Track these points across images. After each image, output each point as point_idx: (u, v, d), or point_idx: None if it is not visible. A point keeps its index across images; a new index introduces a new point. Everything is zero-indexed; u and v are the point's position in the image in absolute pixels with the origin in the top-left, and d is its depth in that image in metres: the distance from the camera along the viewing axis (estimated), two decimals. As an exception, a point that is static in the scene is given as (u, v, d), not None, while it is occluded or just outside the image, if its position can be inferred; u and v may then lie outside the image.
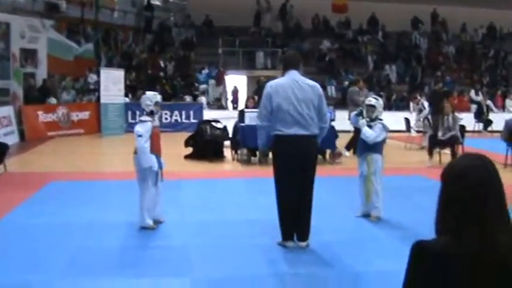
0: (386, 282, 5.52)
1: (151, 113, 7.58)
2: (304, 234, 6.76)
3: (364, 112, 8.34)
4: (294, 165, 6.58)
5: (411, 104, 22.39)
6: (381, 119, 8.21)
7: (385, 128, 8.17)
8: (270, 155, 7.20)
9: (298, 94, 6.67)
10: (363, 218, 8.19)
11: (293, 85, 6.72)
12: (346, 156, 14.51)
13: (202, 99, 24.42)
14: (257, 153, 13.90)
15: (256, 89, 23.83)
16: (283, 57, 7.30)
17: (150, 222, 7.52)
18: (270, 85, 6.89)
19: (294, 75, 6.81)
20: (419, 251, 2.05)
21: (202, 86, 25.81)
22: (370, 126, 8.13)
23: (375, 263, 6.31)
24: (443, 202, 2.08)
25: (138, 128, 7.44)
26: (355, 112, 8.77)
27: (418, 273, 2.03)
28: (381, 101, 8.36)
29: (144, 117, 7.60)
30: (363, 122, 8.21)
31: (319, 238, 6.98)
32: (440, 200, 2.10)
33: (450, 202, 2.05)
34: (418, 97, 19.16)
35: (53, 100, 20.91)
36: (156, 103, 7.64)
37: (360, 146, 8.40)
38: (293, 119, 6.60)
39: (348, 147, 14.93)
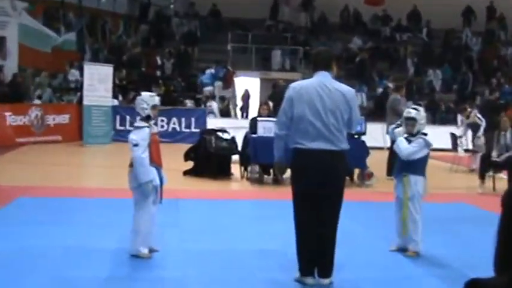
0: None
1: (147, 118, 7.63)
2: (327, 270, 6.77)
3: (403, 127, 8.37)
4: (317, 186, 6.59)
5: (459, 117, 22.35)
6: (424, 133, 8.23)
7: (427, 144, 8.17)
8: (288, 172, 7.21)
9: (327, 101, 6.65)
10: (399, 252, 8.20)
11: (321, 90, 6.70)
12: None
13: (213, 106, 24.43)
14: (271, 171, 13.95)
15: (272, 93, 23.94)
16: (313, 55, 7.29)
17: (144, 250, 7.55)
18: (293, 87, 6.90)
19: (323, 77, 6.80)
20: None
21: (208, 88, 25.87)
22: (409, 142, 8.15)
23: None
24: (505, 234, 2.06)
25: (133, 136, 7.48)
26: (393, 125, 8.78)
27: None
28: (422, 112, 8.37)
29: (139, 123, 7.64)
30: (398, 131, 8.24)
31: (345, 275, 6.99)
32: (500, 231, 2.07)
33: None
34: (469, 108, 19.08)
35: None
36: (154, 106, 7.70)
37: (397, 164, 8.42)
38: (317, 131, 6.60)
39: (392, 173, 14.94)
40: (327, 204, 6.67)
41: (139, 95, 8.01)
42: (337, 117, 6.65)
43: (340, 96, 6.71)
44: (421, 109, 8.49)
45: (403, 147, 8.08)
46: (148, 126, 7.53)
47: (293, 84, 7.03)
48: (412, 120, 8.19)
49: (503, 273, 2.02)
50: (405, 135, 8.26)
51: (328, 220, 6.70)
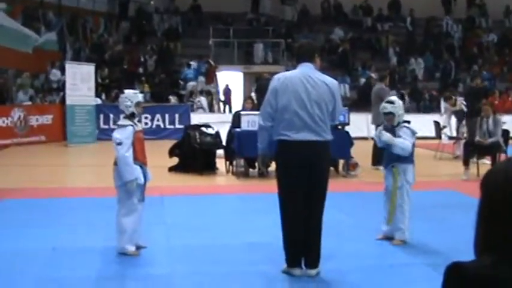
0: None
1: (131, 116, 7.64)
2: (313, 260, 6.81)
3: (383, 123, 8.42)
4: (302, 177, 6.63)
5: (442, 105, 22.44)
6: (407, 121, 8.26)
7: (413, 132, 8.22)
8: (273, 165, 7.24)
9: (312, 92, 6.70)
10: (385, 241, 8.26)
11: (305, 81, 6.75)
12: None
13: (202, 101, 24.41)
14: (256, 164, 13.99)
15: (257, 86, 23.93)
16: (296, 47, 7.35)
17: (131, 248, 7.57)
18: (278, 78, 6.94)
19: (307, 68, 6.85)
20: (457, 275, 2.00)
21: (191, 83, 25.88)
22: (393, 132, 8.15)
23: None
24: (485, 216, 2.05)
25: (117, 135, 7.49)
26: (379, 129, 8.71)
27: None
28: (398, 102, 8.31)
29: (123, 121, 7.65)
30: (386, 136, 8.09)
31: (331, 265, 7.04)
32: (481, 213, 2.07)
33: (495, 215, 2.01)
34: (453, 96, 19.10)
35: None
36: (138, 103, 7.70)
37: (386, 155, 8.43)
38: (302, 122, 6.64)
39: (377, 162, 15.04)
40: (312, 195, 6.71)
41: (123, 92, 8.01)
42: (322, 108, 6.69)
43: (324, 87, 6.76)
44: (396, 100, 8.39)
45: (404, 144, 8.01)
46: (132, 125, 7.53)
47: (277, 75, 7.07)
48: (390, 115, 8.20)
49: (484, 255, 2.03)
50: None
51: (313, 211, 6.74)
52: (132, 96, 7.72)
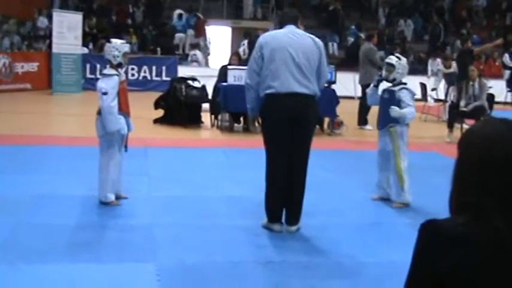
0: (389, 274, 5.60)
1: (118, 66, 7.56)
2: (294, 217, 6.83)
3: (382, 72, 8.35)
4: (288, 132, 6.61)
5: (429, 67, 22.42)
6: (404, 83, 8.20)
7: (412, 94, 8.19)
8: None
9: (297, 44, 6.71)
10: (381, 201, 8.23)
11: (291, 35, 6.78)
12: (371, 130, 14.51)
13: (197, 54, 24.22)
14: (241, 119, 13.97)
15: (248, 43, 23.73)
16: (280, 15, 7.42)
17: (112, 197, 7.55)
18: (263, 36, 7.01)
19: (293, 28, 6.89)
20: (432, 233, 2.02)
21: (179, 35, 25.68)
22: (391, 93, 8.08)
23: (376, 251, 6.40)
24: (462, 175, 2.07)
25: (102, 84, 7.40)
26: (371, 87, 8.64)
27: (429, 260, 2.01)
28: (404, 62, 8.28)
29: (108, 70, 7.55)
30: (397, 112, 7.90)
31: (312, 221, 7.06)
32: (457, 172, 2.08)
33: (470, 174, 2.04)
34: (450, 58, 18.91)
35: None
36: (125, 54, 7.63)
37: (382, 116, 8.34)
38: (289, 70, 6.60)
39: (363, 122, 15.06)
40: (297, 150, 6.71)
41: (109, 42, 7.90)
42: (309, 59, 6.70)
43: (310, 41, 6.82)
44: (404, 59, 8.39)
45: (409, 111, 7.93)
46: (117, 74, 7.47)
47: (263, 34, 7.14)
48: (390, 66, 8.14)
49: (458, 214, 2.05)
50: (376, 81, 8.29)
51: (298, 166, 6.76)
52: (119, 46, 7.64)
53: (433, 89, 18.20)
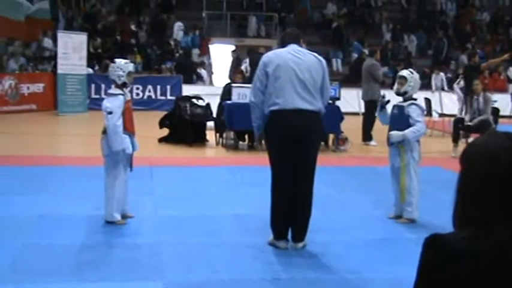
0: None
1: (123, 85, 7.60)
2: (300, 234, 6.82)
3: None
4: (293, 149, 6.62)
5: (433, 82, 22.44)
6: (414, 99, 8.20)
7: (422, 110, 8.19)
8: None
9: (301, 61, 6.75)
10: (395, 220, 8.19)
11: (294, 53, 6.83)
12: (375, 146, 14.53)
13: (203, 73, 24.36)
14: (246, 137, 14.00)
15: (250, 61, 23.83)
16: (282, 35, 7.47)
17: (118, 216, 7.57)
18: (267, 55, 7.06)
19: (295, 46, 6.94)
20: (436, 247, 2.02)
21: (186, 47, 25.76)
22: (401, 108, 8.07)
23: (382, 267, 6.38)
24: (465, 189, 2.06)
25: (107, 104, 7.45)
26: (378, 111, 8.63)
27: (433, 274, 2.00)
28: (416, 76, 8.29)
29: (113, 90, 7.61)
30: (397, 136, 7.94)
31: (318, 238, 7.06)
32: (460, 186, 2.08)
33: (474, 188, 2.03)
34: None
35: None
36: (130, 73, 7.67)
37: (391, 131, 8.32)
38: (293, 88, 6.63)
39: (368, 138, 15.06)
40: (302, 168, 6.72)
41: (113, 62, 7.96)
42: (312, 75, 6.73)
43: (313, 58, 6.88)
44: (416, 74, 8.36)
45: (418, 127, 7.93)
46: (122, 94, 7.51)
47: (266, 53, 7.20)
48: (403, 79, 8.14)
49: (462, 228, 2.05)
50: (383, 101, 8.28)
51: (303, 183, 6.75)
52: (124, 66, 7.70)
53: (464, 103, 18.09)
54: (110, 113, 7.35)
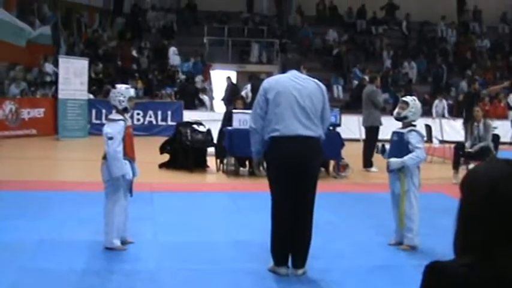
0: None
1: (124, 110, 7.62)
2: (301, 260, 6.80)
3: (396, 109, 8.35)
4: (292, 174, 6.62)
5: (434, 109, 22.50)
6: (414, 125, 8.22)
7: (421, 136, 8.20)
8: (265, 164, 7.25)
9: (301, 87, 6.77)
10: (396, 246, 8.15)
11: (295, 79, 6.86)
12: (376, 172, 14.52)
13: (205, 99, 24.48)
14: (247, 163, 13.99)
15: (252, 87, 23.96)
16: (283, 60, 7.52)
17: (117, 242, 7.55)
18: (267, 80, 7.09)
19: (296, 72, 6.97)
20: (436, 274, 2.02)
21: (184, 77, 25.85)
22: (400, 135, 8.08)
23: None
24: (465, 215, 2.07)
25: (108, 129, 7.46)
26: (380, 154, 8.65)
27: None
28: (418, 104, 8.31)
29: (114, 116, 7.63)
30: (395, 164, 7.95)
31: (318, 264, 7.03)
32: (460, 213, 2.09)
33: (474, 215, 2.03)
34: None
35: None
36: (131, 98, 7.69)
37: (391, 158, 8.32)
38: (293, 114, 6.65)
39: (368, 165, 15.06)
40: (302, 193, 6.71)
41: (114, 88, 7.99)
42: (313, 102, 6.75)
43: (314, 84, 6.91)
44: (418, 102, 8.37)
45: (417, 153, 7.93)
46: (123, 120, 7.52)
47: (267, 79, 7.23)
48: (404, 104, 8.16)
49: (463, 255, 2.05)
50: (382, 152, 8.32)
51: (304, 209, 6.74)
52: (124, 91, 7.73)
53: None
54: (111, 138, 7.36)
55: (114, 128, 7.44)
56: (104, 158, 7.50)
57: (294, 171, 6.61)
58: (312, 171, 6.82)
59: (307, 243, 6.78)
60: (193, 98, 24.32)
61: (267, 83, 6.97)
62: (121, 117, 7.56)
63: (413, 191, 8.05)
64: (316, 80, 7.00)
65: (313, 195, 6.79)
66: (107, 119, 7.97)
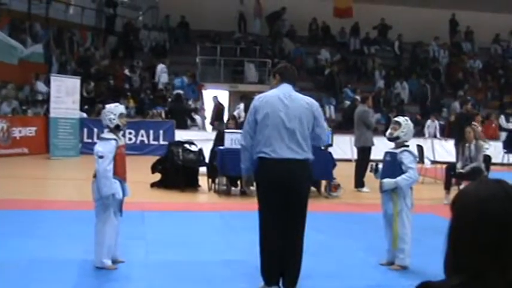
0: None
1: (116, 128, 7.63)
2: (292, 281, 6.79)
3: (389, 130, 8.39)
4: (281, 196, 6.64)
5: (426, 130, 22.58)
6: (406, 145, 8.26)
7: (414, 157, 8.24)
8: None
9: (290, 107, 6.77)
10: (388, 267, 8.16)
11: (284, 98, 6.83)
12: (368, 192, 14.55)
13: (197, 118, 24.53)
14: (238, 182, 13.99)
15: (245, 106, 23.97)
16: (282, 67, 7.43)
17: (108, 262, 7.54)
18: (258, 97, 7.06)
19: (288, 88, 6.95)
20: None
21: (178, 91, 25.80)
22: (393, 155, 8.12)
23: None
24: (455, 236, 2.08)
25: (99, 148, 7.47)
26: (374, 172, 8.71)
27: None
28: (411, 125, 8.36)
29: (106, 134, 7.63)
30: (388, 184, 8.03)
31: (309, 284, 7.05)
32: (451, 233, 2.10)
33: (464, 235, 2.05)
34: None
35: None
36: (121, 115, 7.70)
37: (384, 178, 8.35)
38: (281, 137, 6.67)
39: (360, 185, 15.09)
40: (292, 215, 6.72)
41: (105, 108, 7.99)
42: (302, 123, 6.75)
43: (303, 104, 6.86)
44: (411, 123, 8.41)
45: (409, 174, 7.97)
46: (115, 139, 7.53)
47: (258, 96, 7.18)
48: (396, 124, 8.22)
49: (453, 276, 2.06)
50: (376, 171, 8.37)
51: (294, 230, 6.75)
52: (114, 109, 7.74)
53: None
54: (101, 157, 7.37)
55: (106, 147, 7.45)
56: (95, 176, 7.51)
57: (282, 194, 6.64)
58: (301, 193, 6.83)
59: (298, 264, 6.79)
60: (184, 117, 24.33)
61: (257, 101, 6.94)
62: (113, 136, 7.57)
63: (406, 211, 8.09)
64: (306, 98, 6.96)
65: (303, 216, 6.80)
66: (99, 137, 7.98)
